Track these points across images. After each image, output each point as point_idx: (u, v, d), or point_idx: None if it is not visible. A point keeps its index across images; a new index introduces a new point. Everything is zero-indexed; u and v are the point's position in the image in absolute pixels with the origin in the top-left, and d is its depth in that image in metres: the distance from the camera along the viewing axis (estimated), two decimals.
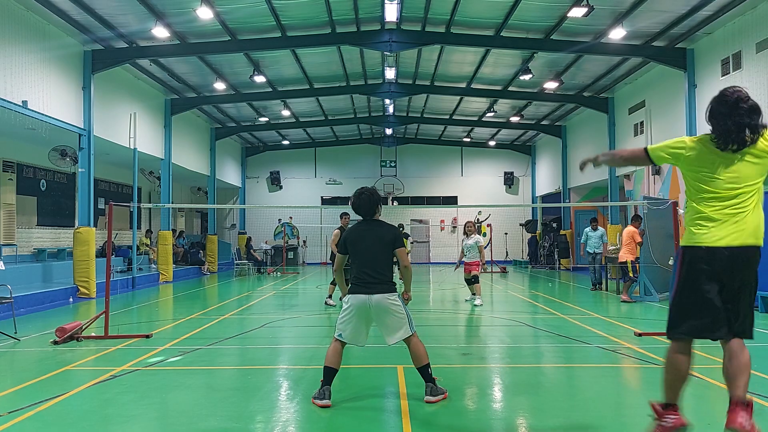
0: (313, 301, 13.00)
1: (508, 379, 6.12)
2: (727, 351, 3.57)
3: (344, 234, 5.30)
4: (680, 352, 3.61)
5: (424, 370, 5.13)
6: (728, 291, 3.51)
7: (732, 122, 3.46)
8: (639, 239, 12.86)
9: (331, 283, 12.36)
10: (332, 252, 12.70)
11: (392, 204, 29.87)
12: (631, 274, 12.92)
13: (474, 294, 12.37)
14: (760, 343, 7.92)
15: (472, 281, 12.38)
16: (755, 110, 3.52)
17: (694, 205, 3.55)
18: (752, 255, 3.49)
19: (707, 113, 3.61)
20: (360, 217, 5.28)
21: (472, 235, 12.48)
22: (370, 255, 5.07)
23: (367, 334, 5.20)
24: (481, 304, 11.93)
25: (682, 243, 3.60)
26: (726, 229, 3.45)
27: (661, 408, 3.58)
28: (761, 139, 3.50)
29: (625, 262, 12.97)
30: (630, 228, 13.17)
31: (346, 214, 12.30)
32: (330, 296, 12.17)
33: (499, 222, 29.52)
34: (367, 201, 5.14)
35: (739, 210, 3.45)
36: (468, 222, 12.95)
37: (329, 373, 5.01)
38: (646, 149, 3.72)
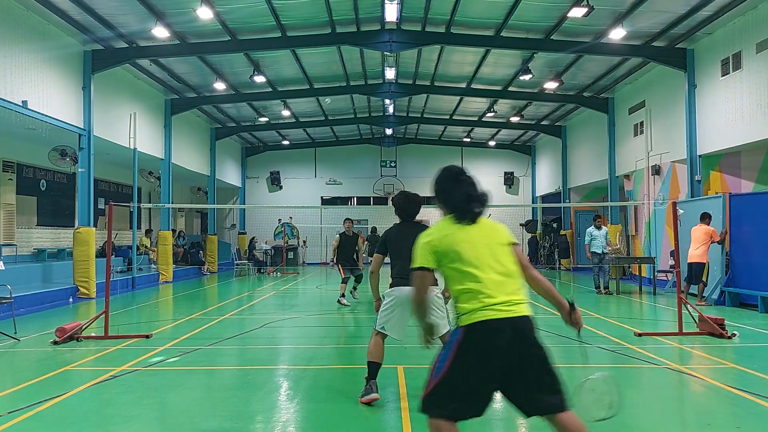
0: (313, 301, 13.00)
1: None
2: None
3: (385, 234, 5.53)
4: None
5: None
6: None
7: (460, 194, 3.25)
8: (718, 238, 11.81)
9: (342, 282, 12.41)
10: (334, 252, 12.78)
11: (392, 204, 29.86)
12: (705, 279, 11.98)
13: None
14: (760, 343, 7.93)
15: None
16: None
17: None
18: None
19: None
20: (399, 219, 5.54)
21: None
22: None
23: (407, 326, 5.22)
24: None
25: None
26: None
27: None
28: None
29: (703, 264, 11.88)
30: (706, 227, 11.85)
31: (349, 219, 12.59)
32: (343, 295, 12.22)
33: (499, 222, 29.47)
34: (414, 203, 5.52)
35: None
36: None
37: (374, 368, 5.11)
38: (417, 268, 3.20)
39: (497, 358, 2.90)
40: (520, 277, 3.15)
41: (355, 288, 12.96)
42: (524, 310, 3.00)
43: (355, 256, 12.64)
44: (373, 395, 5.02)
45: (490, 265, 3.06)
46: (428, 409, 2.97)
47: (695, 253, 11.83)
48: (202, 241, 24.80)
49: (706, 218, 11.94)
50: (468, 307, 2.98)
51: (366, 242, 20.18)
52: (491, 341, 2.90)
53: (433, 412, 2.95)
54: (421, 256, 3.16)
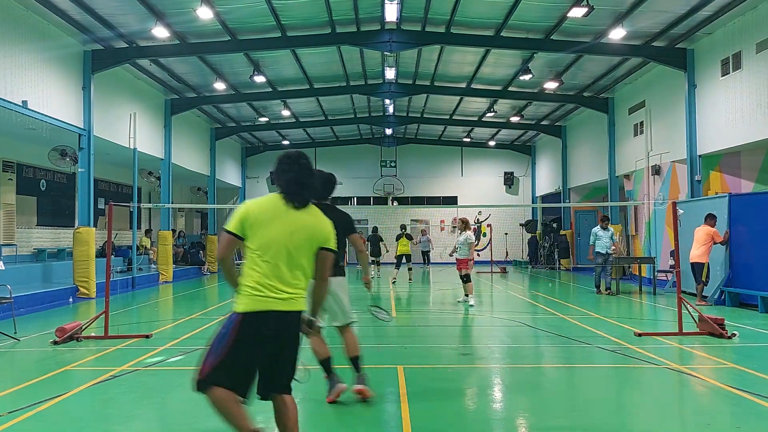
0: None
1: (508, 379, 6.12)
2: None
3: None
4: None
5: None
6: None
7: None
8: (721, 239, 11.78)
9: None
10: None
11: (392, 204, 29.89)
12: (704, 279, 11.89)
13: (467, 294, 12.17)
14: (760, 343, 7.93)
15: (464, 280, 12.15)
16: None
17: None
18: None
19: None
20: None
21: (464, 232, 12.19)
22: None
23: (341, 312, 5.30)
24: (473, 305, 11.78)
25: None
26: None
27: None
28: None
29: (702, 265, 11.84)
30: (708, 228, 11.83)
31: None
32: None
33: (499, 222, 29.52)
34: (330, 183, 5.21)
35: None
36: (460, 219, 12.78)
37: (326, 364, 5.10)
38: (225, 231, 3.40)
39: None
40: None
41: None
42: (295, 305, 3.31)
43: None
44: (339, 386, 5.02)
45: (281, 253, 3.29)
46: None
47: (696, 253, 11.82)
48: (202, 241, 24.81)
49: (710, 219, 11.87)
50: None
51: (367, 242, 20.20)
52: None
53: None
54: (233, 222, 3.34)
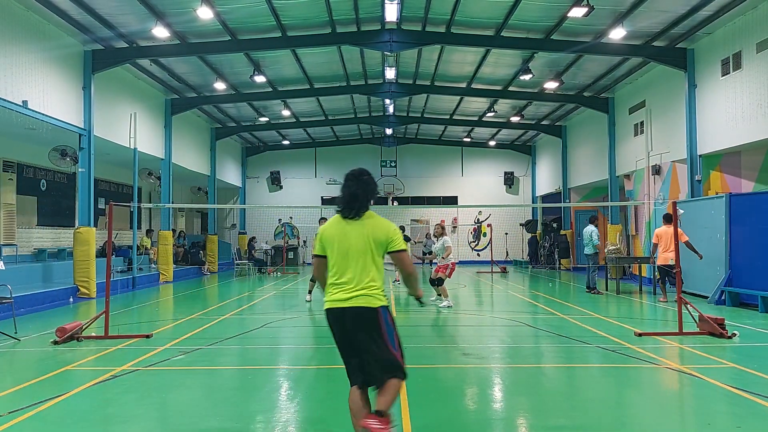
0: (313, 301, 12.98)
1: (509, 379, 6.12)
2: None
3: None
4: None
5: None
6: None
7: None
8: (686, 238, 11.91)
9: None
10: None
11: (392, 204, 29.88)
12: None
13: (439, 295, 12.17)
14: (760, 343, 7.93)
15: (435, 283, 12.09)
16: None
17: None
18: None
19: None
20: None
21: (441, 237, 12.36)
22: None
23: None
24: (450, 306, 11.75)
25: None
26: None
27: None
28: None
29: (673, 265, 11.95)
30: (670, 228, 11.76)
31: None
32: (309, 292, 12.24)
33: (499, 222, 29.51)
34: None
35: None
36: (437, 225, 12.99)
37: None
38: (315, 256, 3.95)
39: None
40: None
41: None
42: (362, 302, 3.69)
43: None
44: None
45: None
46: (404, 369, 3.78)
47: (670, 255, 11.75)
48: (202, 241, 24.81)
49: (668, 220, 12.06)
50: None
51: None
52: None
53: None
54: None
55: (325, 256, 3.81)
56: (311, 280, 12.47)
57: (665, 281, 12.59)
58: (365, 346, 3.69)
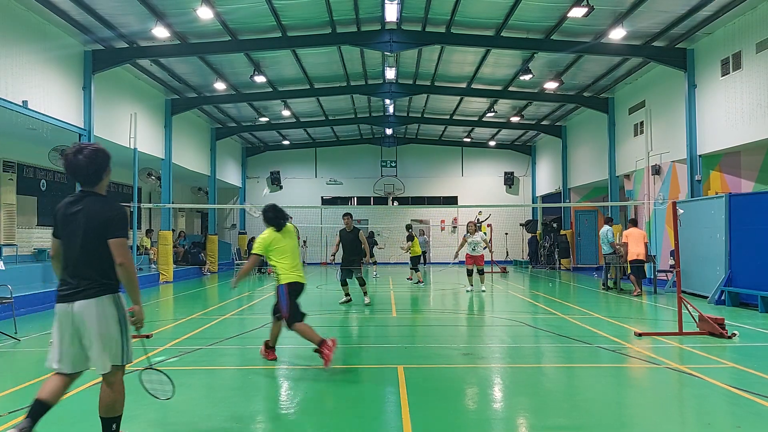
0: (314, 301, 12.99)
1: (509, 379, 6.12)
2: None
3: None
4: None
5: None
6: None
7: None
8: (646, 240, 14.13)
9: (342, 285, 12.42)
10: (336, 248, 12.72)
11: (392, 204, 29.89)
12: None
13: (482, 283, 14.99)
14: (760, 342, 7.93)
15: (481, 273, 14.86)
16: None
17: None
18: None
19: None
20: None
21: (477, 233, 14.66)
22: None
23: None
24: (483, 291, 14.57)
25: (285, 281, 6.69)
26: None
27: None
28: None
29: (644, 261, 14.04)
30: (638, 230, 14.19)
31: (348, 215, 12.20)
32: (347, 294, 12.23)
33: (499, 222, 29.51)
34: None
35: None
36: (470, 222, 15.02)
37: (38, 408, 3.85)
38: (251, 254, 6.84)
39: None
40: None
41: (365, 293, 12.27)
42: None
43: (357, 253, 12.06)
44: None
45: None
46: (295, 319, 6.52)
47: (642, 251, 13.70)
48: (202, 241, 24.80)
49: (634, 223, 14.34)
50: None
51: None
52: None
53: (298, 319, 6.52)
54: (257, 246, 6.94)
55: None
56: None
57: (637, 275, 13.83)
58: None
